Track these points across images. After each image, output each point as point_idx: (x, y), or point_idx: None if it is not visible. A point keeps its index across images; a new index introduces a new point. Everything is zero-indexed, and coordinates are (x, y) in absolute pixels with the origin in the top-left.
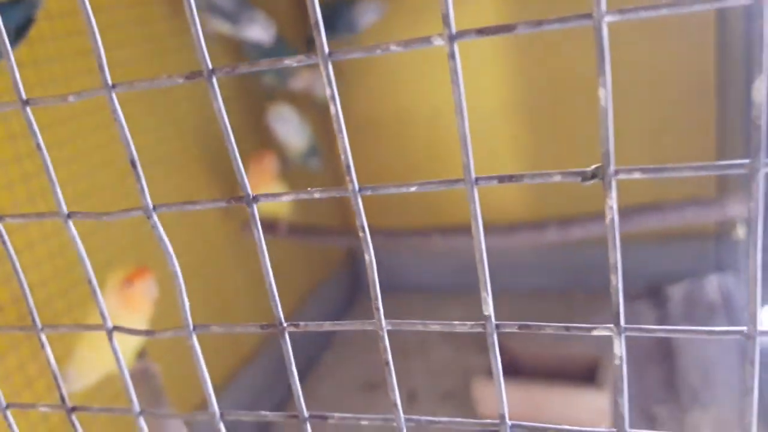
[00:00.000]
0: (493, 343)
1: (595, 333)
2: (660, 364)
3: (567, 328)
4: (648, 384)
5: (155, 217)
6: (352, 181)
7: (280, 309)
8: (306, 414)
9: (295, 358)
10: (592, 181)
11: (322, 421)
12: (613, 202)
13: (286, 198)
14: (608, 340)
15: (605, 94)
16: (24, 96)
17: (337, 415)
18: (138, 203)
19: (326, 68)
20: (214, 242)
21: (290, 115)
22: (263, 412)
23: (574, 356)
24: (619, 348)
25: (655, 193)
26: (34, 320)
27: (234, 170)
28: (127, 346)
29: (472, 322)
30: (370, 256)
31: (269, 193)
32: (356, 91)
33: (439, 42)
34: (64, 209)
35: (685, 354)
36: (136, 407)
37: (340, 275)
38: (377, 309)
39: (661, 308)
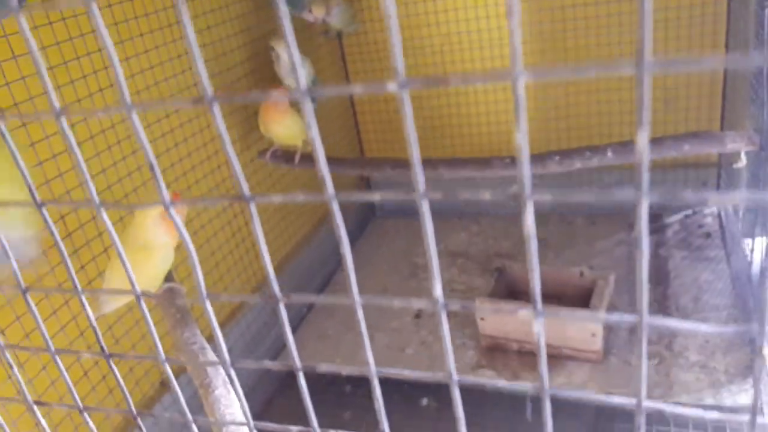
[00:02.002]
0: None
1: (617, 198)
2: (654, 287)
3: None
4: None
5: (173, 212)
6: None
7: (245, 184)
8: (299, 365)
9: (309, 277)
10: (511, 193)
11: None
12: (530, 220)
13: (277, 200)
14: (605, 267)
15: (521, 137)
16: (58, 107)
17: (324, 365)
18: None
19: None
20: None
21: (280, 50)
22: (265, 361)
23: (571, 280)
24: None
25: (661, 129)
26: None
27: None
28: (156, 269)
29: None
30: (346, 246)
31: (265, 195)
32: (369, 25)
33: None
34: (96, 199)
35: (678, 278)
36: (162, 355)
37: (353, 203)
38: (351, 288)
39: (659, 235)
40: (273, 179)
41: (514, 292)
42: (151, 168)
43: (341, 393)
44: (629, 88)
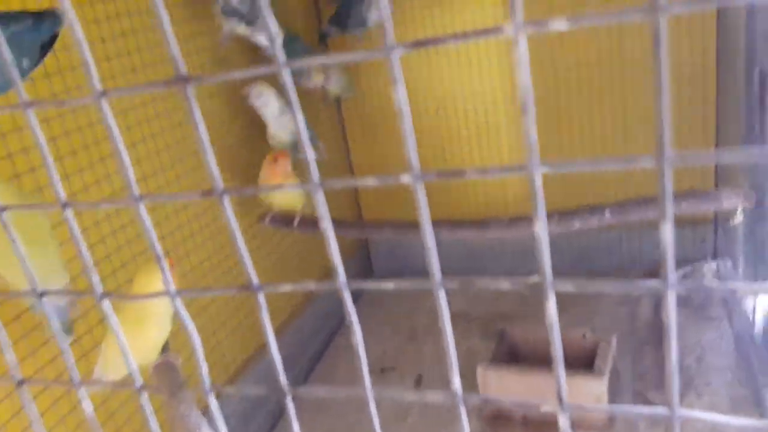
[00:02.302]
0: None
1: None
2: (656, 349)
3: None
4: (644, 369)
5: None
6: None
7: (253, 271)
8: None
9: (308, 341)
10: (531, 282)
11: (336, 402)
12: (552, 309)
13: (251, 192)
14: (606, 327)
15: (541, 228)
16: (99, 87)
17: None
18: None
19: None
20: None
21: (269, 95)
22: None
23: (573, 343)
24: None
25: (655, 187)
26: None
27: (246, 164)
28: (153, 340)
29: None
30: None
31: (237, 189)
32: (367, 90)
33: (509, 31)
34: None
35: (680, 338)
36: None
37: (352, 264)
38: (336, 271)
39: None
40: (273, 243)
41: (516, 355)
42: (158, 259)
43: None
44: (624, 147)
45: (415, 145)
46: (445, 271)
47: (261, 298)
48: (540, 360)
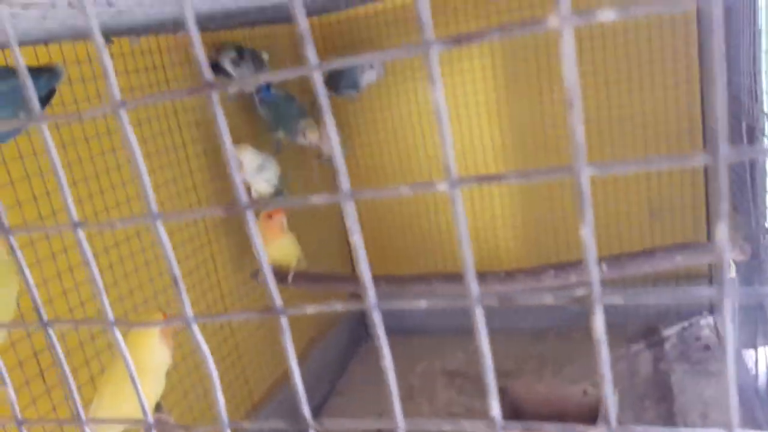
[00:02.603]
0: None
1: None
2: (658, 403)
3: (563, 429)
4: (646, 424)
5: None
6: (343, 186)
7: (277, 294)
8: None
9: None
10: (578, 296)
11: None
12: (600, 323)
13: (279, 204)
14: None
15: (587, 233)
16: (118, 97)
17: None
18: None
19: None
20: (226, 288)
21: (245, 154)
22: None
23: (575, 399)
24: None
25: (648, 241)
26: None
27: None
28: (148, 396)
29: (458, 297)
30: (360, 243)
31: (263, 200)
32: (359, 149)
33: (554, 23)
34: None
35: (683, 394)
36: None
37: (347, 321)
38: (367, 292)
39: (658, 349)
40: (265, 299)
41: (518, 412)
42: (175, 282)
43: None
44: (615, 201)
45: (452, 153)
46: (440, 330)
47: (284, 321)
48: (543, 416)
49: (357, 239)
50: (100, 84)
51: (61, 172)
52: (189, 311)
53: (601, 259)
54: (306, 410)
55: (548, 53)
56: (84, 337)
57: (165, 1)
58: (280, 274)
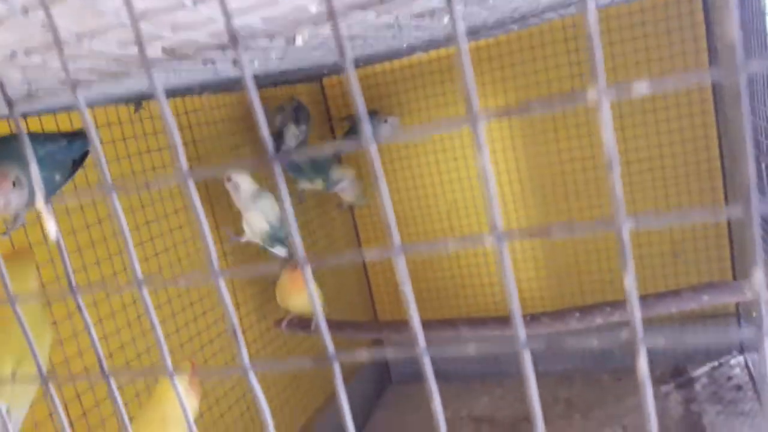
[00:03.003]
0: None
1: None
2: None
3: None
4: None
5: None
6: (394, 241)
7: (330, 342)
8: None
9: None
10: (623, 339)
11: None
12: (644, 364)
13: (333, 261)
14: (637, 421)
15: (630, 282)
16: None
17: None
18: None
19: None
20: (250, 337)
21: (250, 183)
22: None
23: None
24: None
25: (672, 281)
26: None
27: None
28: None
29: (502, 346)
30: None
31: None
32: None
33: (593, 96)
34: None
35: None
36: None
37: (370, 367)
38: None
39: (688, 389)
40: (289, 347)
41: None
42: (234, 333)
43: None
44: (639, 243)
45: (498, 209)
46: (466, 375)
47: (337, 367)
48: None
49: (408, 291)
50: (141, 143)
51: (128, 234)
52: (246, 360)
53: (626, 301)
54: (330, 345)
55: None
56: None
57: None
58: (303, 323)
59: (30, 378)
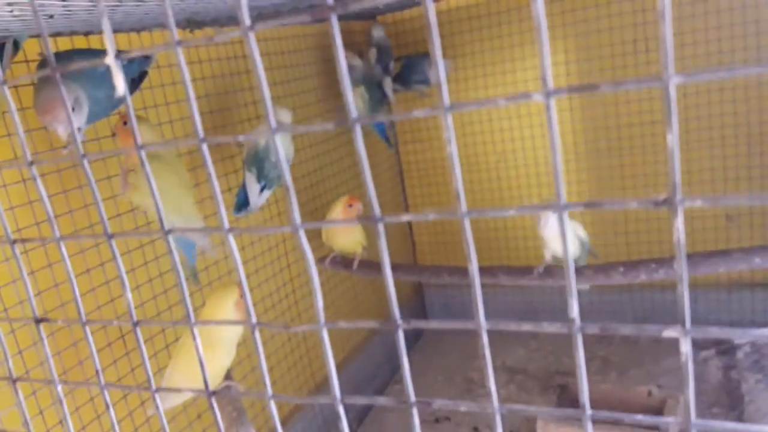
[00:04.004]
0: (578, 344)
1: (664, 334)
2: (727, 411)
3: (638, 329)
4: None
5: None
6: (461, 206)
7: (397, 309)
8: (413, 399)
9: (361, 388)
10: (662, 207)
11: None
12: (680, 224)
13: (408, 218)
14: (673, 382)
15: (672, 140)
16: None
17: (438, 401)
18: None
19: (446, 120)
20: (295, 271)
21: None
22: (376, 397)
23: (638, 400)
24: (685, 347)
25: (724, 246)
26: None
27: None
28: (220, 366)
29: (560, 324)
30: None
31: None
32: (426, 138)
33: (537, 98)
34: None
35: (754, 403)
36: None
37: (408, 309)
38: (477, 310)
39: (729, 356)
40: (330, 284)
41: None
42: (241, 287)
43: None
44: (691, 207)
45: (562, 182)
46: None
47: (401, 334)
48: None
49: (472, 253)
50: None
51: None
52: (253, 317)
53: (672, 258)
54: (395, 309)
55: (616, 63)
56: (162, 307)
57: None
58: (346, 261)
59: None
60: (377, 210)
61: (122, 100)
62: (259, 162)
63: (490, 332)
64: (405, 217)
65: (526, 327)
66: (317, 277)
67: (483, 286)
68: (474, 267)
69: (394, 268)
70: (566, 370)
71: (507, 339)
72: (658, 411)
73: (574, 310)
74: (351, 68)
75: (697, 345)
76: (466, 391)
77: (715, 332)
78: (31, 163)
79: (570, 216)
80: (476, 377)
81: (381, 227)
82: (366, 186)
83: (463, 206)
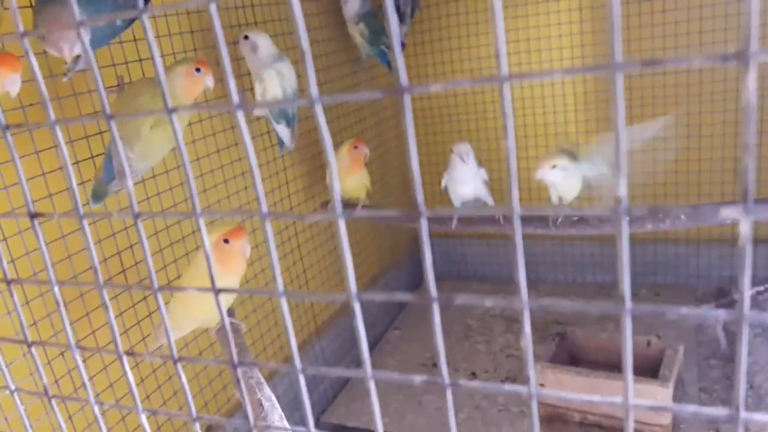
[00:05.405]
0: (623, 231)
1: (722, 214)
2: (725, 364)
3: (695, 207)
4: (710, 383)
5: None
6: (501, 68)
7: (434, 284)
8: (434, 295)
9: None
10: (731, 62)
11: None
12: (752, 82)
13: (437, 88)
14: (672, 333)
15: None
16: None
17: (461, 296)
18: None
19: None
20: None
21: (269, 44)
22: (340, 369)
23: (637, 349)
24: (746, 228)
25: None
26: (152, 282)
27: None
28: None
29: (605, 210)
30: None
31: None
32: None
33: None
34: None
35: (750, 356)
36: (235, 359)
37: (407, 262)
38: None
39: (728, 310)
40: (332, 230)
41: (576, 359)
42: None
43: None
44: (719, 181)
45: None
46: (500, 277)
47: (436, 308)
48: (601, 365)
49: (510, 125)
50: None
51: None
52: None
53: (679, 207)
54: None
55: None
56: (175, 236)
57: None
58: (349, 205)
59: (163, 138)
60: (404, 79)
61: (123, 26)
62: (286, 115)
63: (489, 282)
64: (434, 87)
65: (567, 304)
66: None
67: (487, 236)
68: (511, 139)
69: (395, 213)
70: (564, 320)
71: (507, 289)
72: (656, 361)
73: (622, 190)
74: (349, 5)
75: (697, 299)
76: (464, 337)
77: None
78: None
79: (572, 153)
80: (474, 325)
81: (407, 99)
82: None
83: (504, 69)
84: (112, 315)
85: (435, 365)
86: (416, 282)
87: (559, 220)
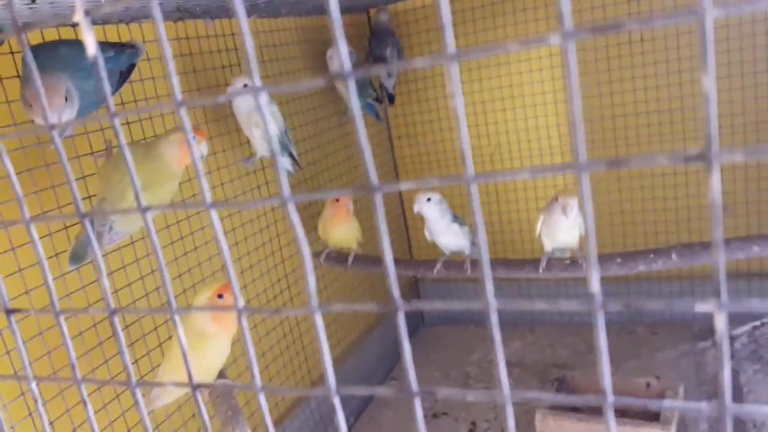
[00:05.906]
0: (598, 321)
1: (697, 309)
2: None
3: (667, 304)
4: (715, 424)
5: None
6: (467, 168)
7: (397, 289)
8: (416, 389)
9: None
10: (695, 162)
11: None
12: (716, 183)
13: (407, 186)
14: (671, 373)
15: (709, 83)
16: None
17: (443, 390)
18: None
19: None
20: (289, 267)
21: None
22: (375, 387)
23: (637, 392)
24: (721, 323)
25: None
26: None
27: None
28: (210, 360)
29: (579, 301)
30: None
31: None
32: (415, 98)
33: (555, 40)
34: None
35: (753, 393)
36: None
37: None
38: (487, 289)
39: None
40: (326, 281)
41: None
42: (227, 270)
43: None
44: (687, 194)
45: (582, 137)
46: (500, 321)
47: (401, 316)
48: (601, 409)
49: (479, 221)
50: (185, 61)
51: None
52: (240, 301)
53: (671, 248)
54: (395, 290)
55: (607, 47)
56: (155, 303)
57: None
58: (341, 257)
59: (148, 202)
60: (374, 178)
61: (101, 103)
62: (283, 144)
63: (485, 326)
64: (403, 185)
65: (540, 305)
66: (309, 257)
67: (477, 280)
68: (482, 234)
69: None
70: (563, 363)
71: (504, 332)
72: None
73: (595, 286)
74: (334, 60)
75: (694, 335)
76: (463, 385)
77: (755, 305)
78: None
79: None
80: (473, 372)
81: (379, 198)
82: (362, 154)
83: (470, 169)
84: (91, 412)
85: (435, 416)
86: (415, 325)
87: (544, 265)
